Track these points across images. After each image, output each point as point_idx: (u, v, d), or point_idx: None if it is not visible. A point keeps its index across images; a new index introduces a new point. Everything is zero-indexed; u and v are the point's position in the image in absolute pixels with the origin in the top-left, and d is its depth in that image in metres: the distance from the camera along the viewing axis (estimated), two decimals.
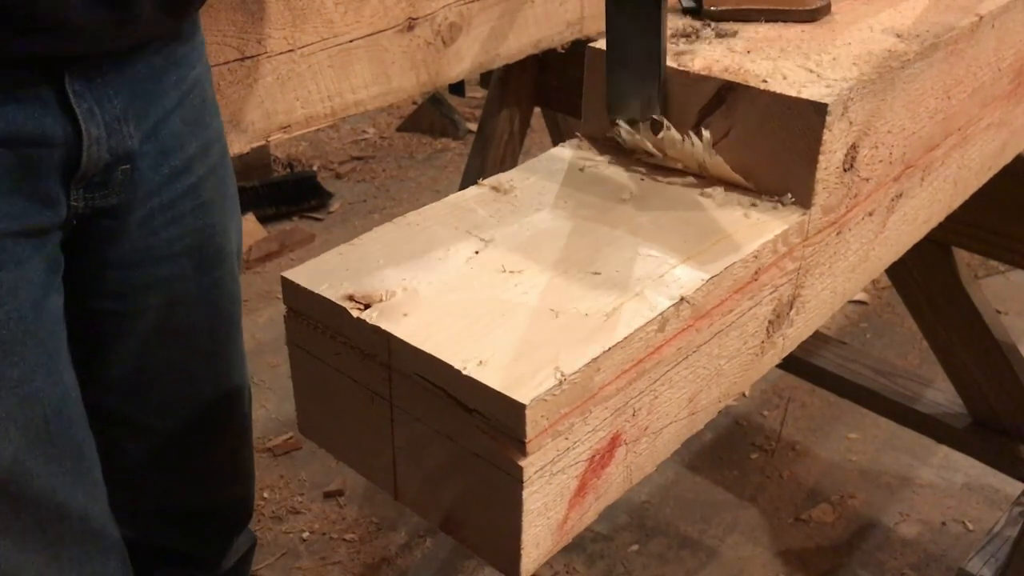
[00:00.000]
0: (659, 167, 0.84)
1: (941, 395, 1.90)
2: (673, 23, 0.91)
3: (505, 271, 0.69)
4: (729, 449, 2.37)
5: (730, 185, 0.81)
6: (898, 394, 1.91)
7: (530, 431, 0.57)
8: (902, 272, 1.75)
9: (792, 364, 2.03)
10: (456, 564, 2.04)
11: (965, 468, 2.27)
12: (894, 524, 2.15)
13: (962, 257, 1.70)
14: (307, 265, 0.69)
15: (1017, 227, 1.49)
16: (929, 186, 1.01)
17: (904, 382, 1.94)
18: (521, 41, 1.53)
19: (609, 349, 0.61)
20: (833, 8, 0.96)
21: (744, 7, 0.93)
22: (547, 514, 0.62)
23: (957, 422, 1.85)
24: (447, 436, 0.62)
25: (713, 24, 0.91)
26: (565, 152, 0.87)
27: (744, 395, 2.53)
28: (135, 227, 0.92)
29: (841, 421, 2.46)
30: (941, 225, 1.11)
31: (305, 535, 2.15)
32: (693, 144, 0.80)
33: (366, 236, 0.73)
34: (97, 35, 0.79)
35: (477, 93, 4.36)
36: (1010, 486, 2.12)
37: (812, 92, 0.76)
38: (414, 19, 1.34)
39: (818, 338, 2.01)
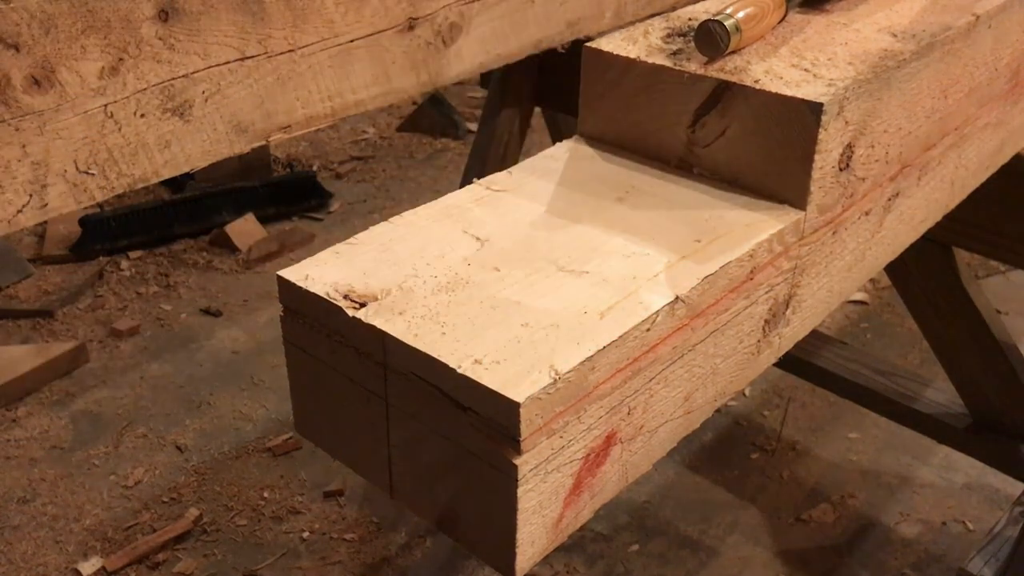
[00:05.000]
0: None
1: (941, 395, 1.90)
2: (670, 22, 0.91)
3: (500, 270, 0.69)
4: (729, 449, 2.37)
5: (726, 184, 0.81)
6: (898, 394, 1.91)
7: (524, 429, 0.57)
8: (902, 272, 1.75)
9: (792, 364, 2.03)
10: (456, 564, 2.04)
11: (965, 468, 2.27)
12: (894, 524, 2.15)
13: (962, 257, 1.70)
14: (303, 264, 0.69)
15: (1017, 227, 1.49)
16: (926, 186, 1.01)
17: (904, 382, 1.94)
18: (521, 41, 1.53)
19: (604, 348, 0.61)
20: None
21: None
22: (542, 512, 0.62)
23: (957, 422, 1.85)
24: (442, 434, 0.62)
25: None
26: (561, 152, 0.87)
27: (744, 395, 2.53)
28: None
29: (841, 421, 2.46)
30: (941, 225, 1.11)
31: (305, 535, 2.15)
32: None
33: (362, 235, 0.73)
34: None
35: (477, 93, 4.36)
36: (1010, 486, 2.12)
37: (807, 92, 0.76)
38: (414, 19, 1.34)
39: (818, 338, 2.01)
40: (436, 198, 0.79)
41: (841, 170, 0.81)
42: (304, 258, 0.70)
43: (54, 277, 3.17)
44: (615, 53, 0.84)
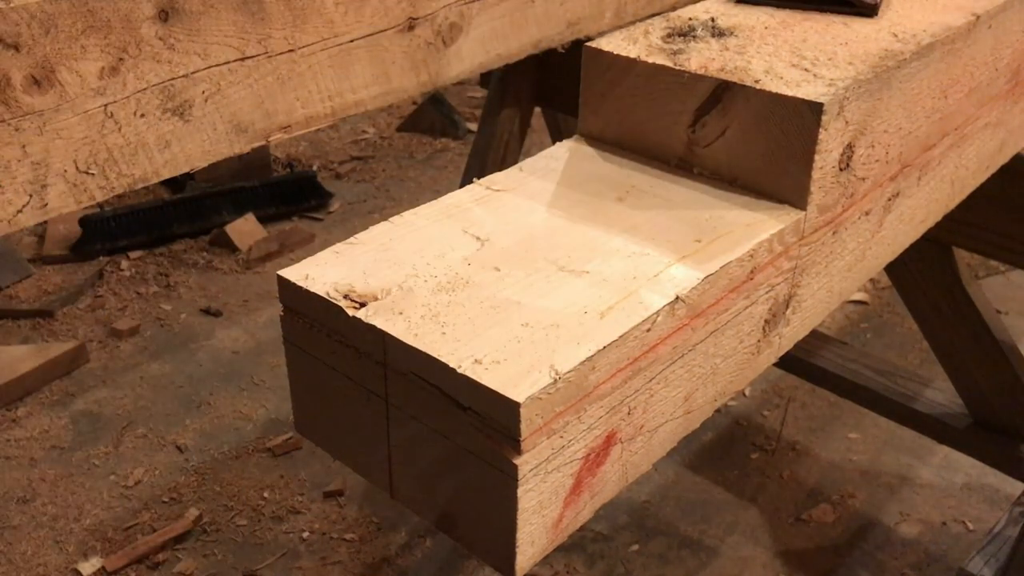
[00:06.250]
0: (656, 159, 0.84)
1: (941, 395, 1.90)
2: (670, 22, 0.91)
3: (500, 270, 0.69)
4: (729, 449, 2.37)
5: (726, 184, 0.81)
6: (898, 394, 1.91)
7: (525, 429, 0.57)
8: (902, 272, 1.75)
9: (792, 364, 2.03)
10: (456, 564, 2.04)
11: (965, 468, 2.27)
12: (894, 524, 2.15)
13: (962, 257, 1.70)
14: (303, 264, 0.69)
15: (1017, 227, 1.49)
16: (926, 186, 1.01)
17: (904, 382, 1.94)
18: (521, 41, 1.53)
19: (604, 348, 0.61)
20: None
21: None
22: (542, 512, 0.62)
23: (957, 422, 1.85)
24: (442, 434, 0.62)
25: (710, 23, 0.91)
26: (562, 151, 0.87)
27: (744, 395, 2.53)
28: None
29: (841, 421, 2.46)
30: (941, 225, 1.11)
31: (305, 535, 2.15)
32: None
33: (362, 235, 0.73)
34: None
35: (477, 93, 4.36)
36: (1010, 486, 2.12)
37: (807, 91, 0.76)
38: (414, 19, 1.34)
39: (818, 338, 2.01)
40: (436, 198, 0.79)
41: (841, 170, 0.81)
42: (304, 258, 0.70)
43: (54, 277, 3.17)
44: (615, 53, 0.84)
